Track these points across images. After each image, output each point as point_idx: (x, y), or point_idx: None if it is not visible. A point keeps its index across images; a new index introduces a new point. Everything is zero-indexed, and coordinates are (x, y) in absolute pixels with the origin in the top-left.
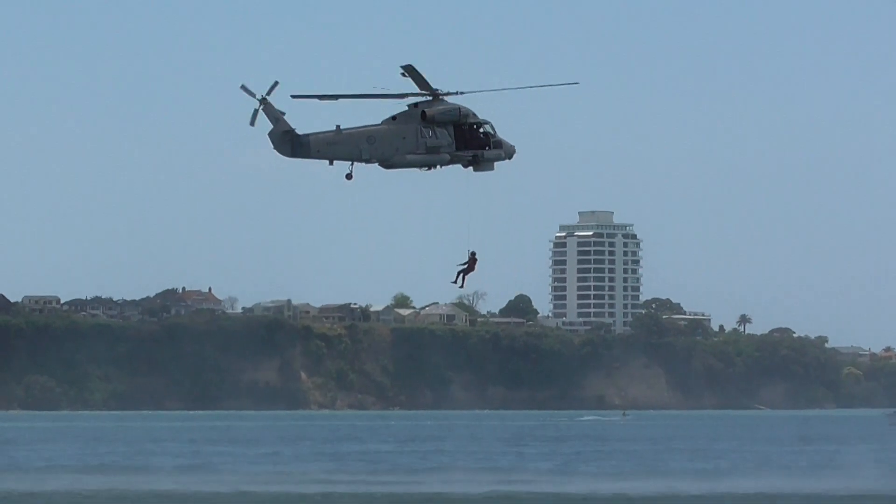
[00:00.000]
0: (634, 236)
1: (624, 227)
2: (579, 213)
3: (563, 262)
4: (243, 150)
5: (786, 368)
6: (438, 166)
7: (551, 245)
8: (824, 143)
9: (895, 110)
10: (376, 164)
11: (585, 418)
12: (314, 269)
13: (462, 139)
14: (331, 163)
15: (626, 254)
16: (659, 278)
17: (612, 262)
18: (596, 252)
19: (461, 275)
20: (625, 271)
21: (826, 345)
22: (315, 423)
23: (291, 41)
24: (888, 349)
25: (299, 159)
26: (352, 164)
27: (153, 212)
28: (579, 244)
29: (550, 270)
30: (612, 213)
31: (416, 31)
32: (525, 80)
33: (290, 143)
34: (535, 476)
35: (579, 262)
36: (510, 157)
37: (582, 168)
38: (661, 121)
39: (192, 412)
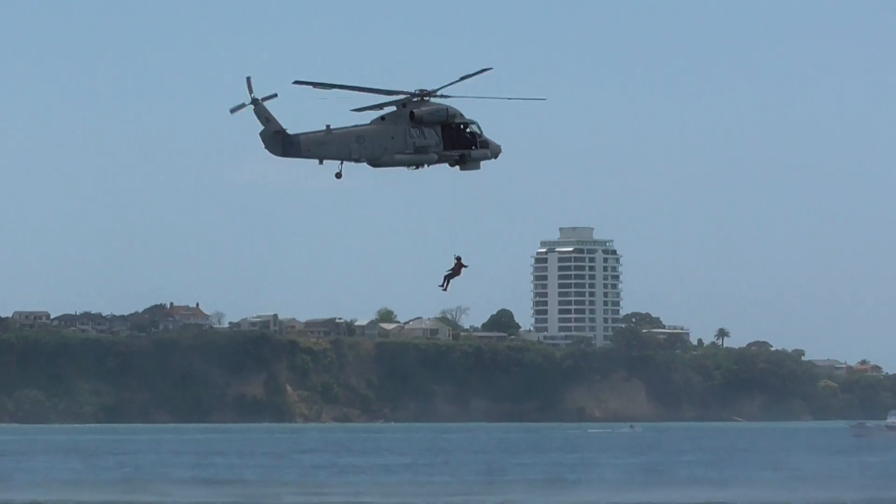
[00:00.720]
0: (614, 252)
1: (604, 242)
2: (560, 229)
3: (545, 278)
4: (231, 166)
5: (763, 381)
6: (426, 165)
7: (533, 261)
8: (801, 158)
9: (876, 123)
10: (365, 164)
11: (593, 430)
12: (300, 284)
13: (449, 139)
14: (321, 162)
15: (606, 269)
16: (638, 293)
17: (592, 277)
18: (576, 267)
19: (447, 279)
20: (605, 286)
21: (803, 358)
22: (303, 435)
23: (285, 45)
24: (864, 362)
25: (290, 158)
26: (341, 163)
27: (141, 228)
28: (560, 260)
29: (532, 286)
30: (593, 229)
31: (414, 31)
32: (515, 94)
33: (280, 142)
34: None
35: (560, 277)
36: (496, 157)
37: (562, 185)
38: (639, 137)
39: (179, 425)
